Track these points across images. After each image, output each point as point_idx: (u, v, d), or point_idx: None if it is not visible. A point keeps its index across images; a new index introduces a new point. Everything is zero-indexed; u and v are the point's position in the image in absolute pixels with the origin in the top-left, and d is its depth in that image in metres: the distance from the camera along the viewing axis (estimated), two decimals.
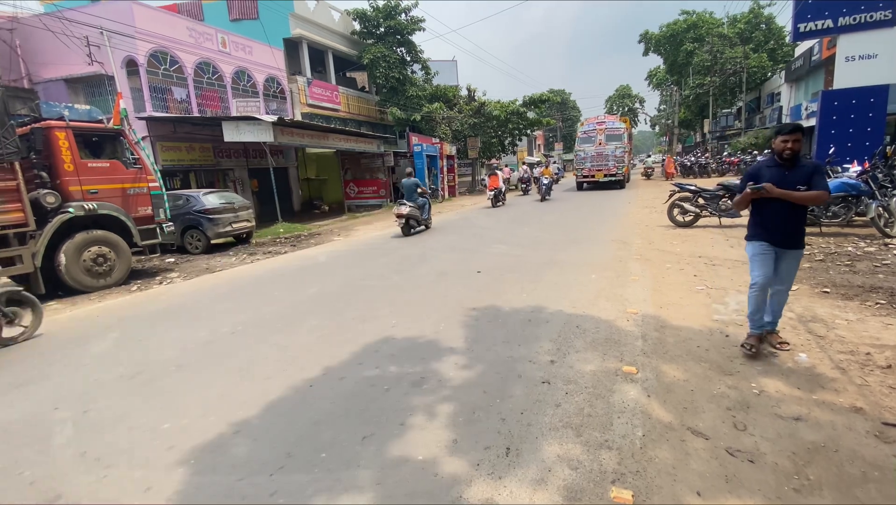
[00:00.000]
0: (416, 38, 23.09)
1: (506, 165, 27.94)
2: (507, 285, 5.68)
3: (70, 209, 6.84)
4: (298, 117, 17.62)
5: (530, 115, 27.97)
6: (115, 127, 7.66)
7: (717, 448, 2.34)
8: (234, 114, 15.24)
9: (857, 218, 7.61)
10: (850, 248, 6.56)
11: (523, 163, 28.08)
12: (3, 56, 12.25)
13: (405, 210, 10.68)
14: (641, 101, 61.69)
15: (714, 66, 32.05)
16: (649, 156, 39.56)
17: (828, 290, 4.76)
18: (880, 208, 7.01)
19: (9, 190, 6.06)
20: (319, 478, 2.28)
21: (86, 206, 7.02)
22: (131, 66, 13.00)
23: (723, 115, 37.08)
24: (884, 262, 5.70)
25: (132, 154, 7.84)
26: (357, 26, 21.85)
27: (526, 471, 2.24)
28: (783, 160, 3.15)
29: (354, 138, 17.64)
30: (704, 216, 9.31)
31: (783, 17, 36.52)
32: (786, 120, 25.71)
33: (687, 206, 9.31)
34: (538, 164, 30.44)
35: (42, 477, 2.44)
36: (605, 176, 20.87)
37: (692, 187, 9.54)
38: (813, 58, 21.12)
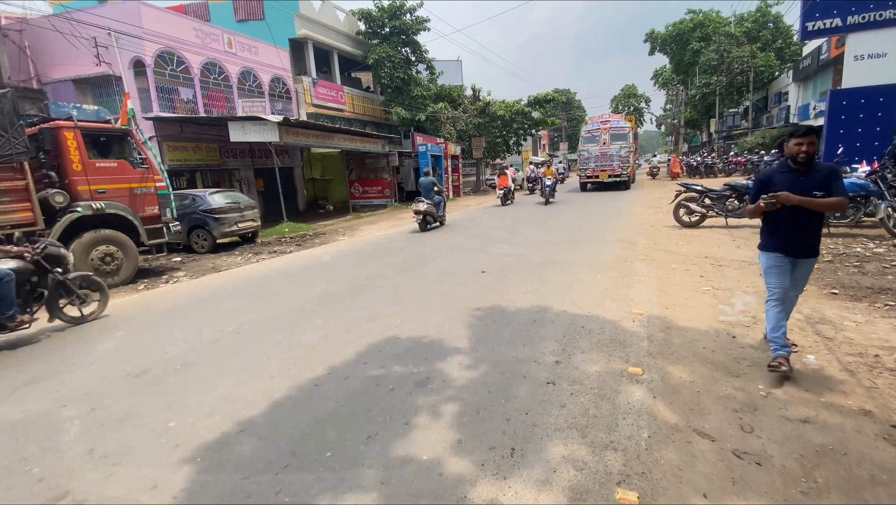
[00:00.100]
0: (421, 38, 23.17)
1: (511, 165, 27.90)
2: (512, 285, 5.67)
3: (78, 208, 6.92)
4: (304, 117, 17.67)
5: (535, 114, 27.85)
6: (123, 127, 7.73)
7: (724, 450, 2.32)
8: (239, 114, 15.33)
9: (865, 219, 7.54)
10: (858, 249, 6.49)
11: (530, 162, 28.01)
12: (13, 57, 12.40)
13: (423, 207, 11.07)
14: (647, 101, 61.29)
15: (721, 66, 31.80)
16: (655, 155, 39.44)
17: (836, 291, 4.72)
18: (889, 209, 6.93)
19: (18, 189, 6.14)
20: (324, 477, 2.29)
21: (94, 206, 7.09)
22: (139, 66, 13.11)
23: (729, 114, 36.82)
24: (893, 263, 5.64)
25: (139, 154, 7.91)
26: (362, 26, 21.90)
27: (531, 471, 2.24)
28: (797, 164, 2.95)
29: (359, 138, 17.69)
30: (711, 216, 9.25)
31: (791, 15, 36.13)
32: (793, 119, 25.47)
33: (693, 206, 9.25)
34: (543, 163, 30.38)
35: (50, 474, 2.46)
36: (610, 176, 20.40)
37: (698, 187, 9.48)
38: (821, 57, 20.91)
